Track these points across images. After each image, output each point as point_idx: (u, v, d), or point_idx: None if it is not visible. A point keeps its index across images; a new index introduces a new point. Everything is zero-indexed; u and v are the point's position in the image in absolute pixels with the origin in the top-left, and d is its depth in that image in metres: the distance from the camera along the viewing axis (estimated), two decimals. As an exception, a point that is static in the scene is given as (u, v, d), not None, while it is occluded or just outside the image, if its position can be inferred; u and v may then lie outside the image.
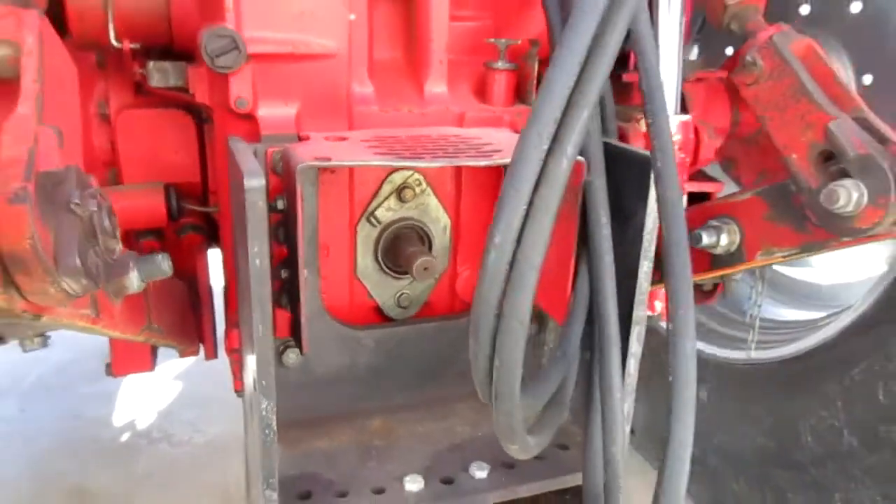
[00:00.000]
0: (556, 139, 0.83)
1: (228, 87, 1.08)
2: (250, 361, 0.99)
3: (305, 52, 1.11)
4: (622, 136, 1.52)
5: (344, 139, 1.10)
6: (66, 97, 0.79)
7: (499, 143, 1.10)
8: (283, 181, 1.04)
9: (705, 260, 1.26)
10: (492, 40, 1.29)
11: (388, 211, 1.24)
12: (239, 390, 1.25)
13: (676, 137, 1.51)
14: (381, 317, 1.32)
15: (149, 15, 1.19)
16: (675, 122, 1.51)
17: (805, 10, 2.11)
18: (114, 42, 1.18)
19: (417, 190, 1.25)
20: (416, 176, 1.25)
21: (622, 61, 1.72)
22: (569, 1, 1.08)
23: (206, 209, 1.40)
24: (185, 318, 1.41)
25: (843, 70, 2.02)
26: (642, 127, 1.51)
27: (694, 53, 2.11)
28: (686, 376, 0.90)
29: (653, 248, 1.06)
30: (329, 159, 0.97)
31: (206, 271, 1.48)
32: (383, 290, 1.30)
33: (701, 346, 2.23)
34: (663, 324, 1.62)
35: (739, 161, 1.46)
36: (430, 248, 1.30)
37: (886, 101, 1.82)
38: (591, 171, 1.08)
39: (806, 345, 1.90)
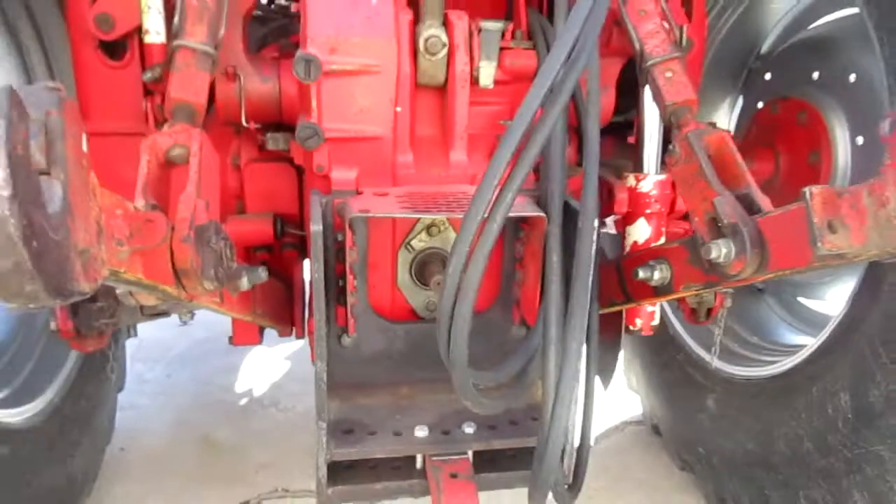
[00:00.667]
0: (495, 206, 1.31)
1: (312, 158, 1.64)
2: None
3: (363, 136, 1.62)
4: (609, 189, 1.95)
5: (385, 195, 1.62)
6: (211, 178, 1.35)
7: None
8: (343, 222, 1.58)
9: (649, 290, 1.68)
10: (503, 121, 1.77)
11: (419, 241, 1.75)
12: (313, 361, 1.81)
13: (654, 193, 1.93)
14: (414, 316, 1.82)
15: (267, 105, 1.78)
16: (654, 180, 1.94)
17: (815, 75, 2.44)
18: (244, 122, 1.77)
19: (441, 227, 1.75)
20: (440, 217, 1.76)
21: (630, 125, 2.15)
22: None
23: (300, 232, 1.97)
24: (281, 307, 1.99)
25: (840, 129, 2.34)
26: (628, 182, 1.95)
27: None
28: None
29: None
30: (369, 211, 1.49)
31: (300, 275, 2.06)
32: (416, 297, 1.80)
33: (715, 361, 2.58)
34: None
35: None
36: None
37: (874, 158, 2.13)
38: (550, 223, 1.54)
39: (785, 366, 2.23)
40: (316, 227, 1.39)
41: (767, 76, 2.70)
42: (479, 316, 1.76)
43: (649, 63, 1.65)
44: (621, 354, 3.02)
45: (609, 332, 1.96)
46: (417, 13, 1.66)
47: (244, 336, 2.06)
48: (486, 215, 1.28)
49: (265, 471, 2.75)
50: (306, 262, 2.05)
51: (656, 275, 1.61)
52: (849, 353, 1.86)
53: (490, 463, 1.68)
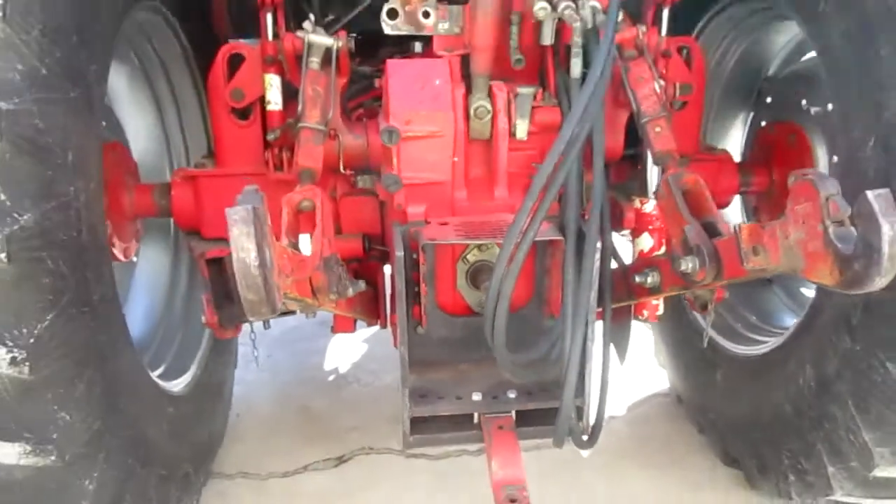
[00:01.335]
0: (525, 232, 1.88)
1: (393, 198, 2.22)
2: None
3: (430, 181, 2.19)
4: (620, 210, 2.50)
5: (446, 224, 2.20)
6: (328, 222, 1.96)
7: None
8: (417, 245, 2.17)
9: (645, 290, 2.23)
10: (535, 164, 2.33)
11: (473, 256, 2.32)
12: (395, 345, 2.42)
13: (654, 213, 2.47)
14: (470, 311, 2.39)
15: (358, 156, 2.38)
16: (654, 203, 2.47)
17: (804, 103, 2.90)
18: (341, 169, 2.39)
19: (489, 244, 2.33)
20: (487, 240, 2.33)
21: (639, 155, 2.68)
22: None
23: (382, 248, 2.56)
24: (369, 305, 2.61)
25: (820, 150, 2.80)
26: (635, 204, 2.49)
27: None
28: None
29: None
30: (436, 239, 2.09)
31: (382, 280, 2.67)
32: (471, 297, 2.37)
33: (721, 341, 3.08)
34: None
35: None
36: (495, 276, 2.38)
37: (845, 176, 2.57)
38: (567, 243, 2.09)
39: (773, 345, 2.73)
40: (399, 252, 2.00)
41: (769, 99, 3.16)
42: (519, 311, 2.34)
43: (644, 120, 2.18)
44: (648, 335, 3.56)
45: (620, 319, 2.50)
46: (469, 86, 2.23)
47: (342, 326, 2.69)
48: (518, 240, 1.86)
49: (354, 432, 3.33)
50: (387, 268, 2.66)
51: (649, 279, 2.15)
52: (812, 334, 2.36)
53: (528, 419, 2.26)
